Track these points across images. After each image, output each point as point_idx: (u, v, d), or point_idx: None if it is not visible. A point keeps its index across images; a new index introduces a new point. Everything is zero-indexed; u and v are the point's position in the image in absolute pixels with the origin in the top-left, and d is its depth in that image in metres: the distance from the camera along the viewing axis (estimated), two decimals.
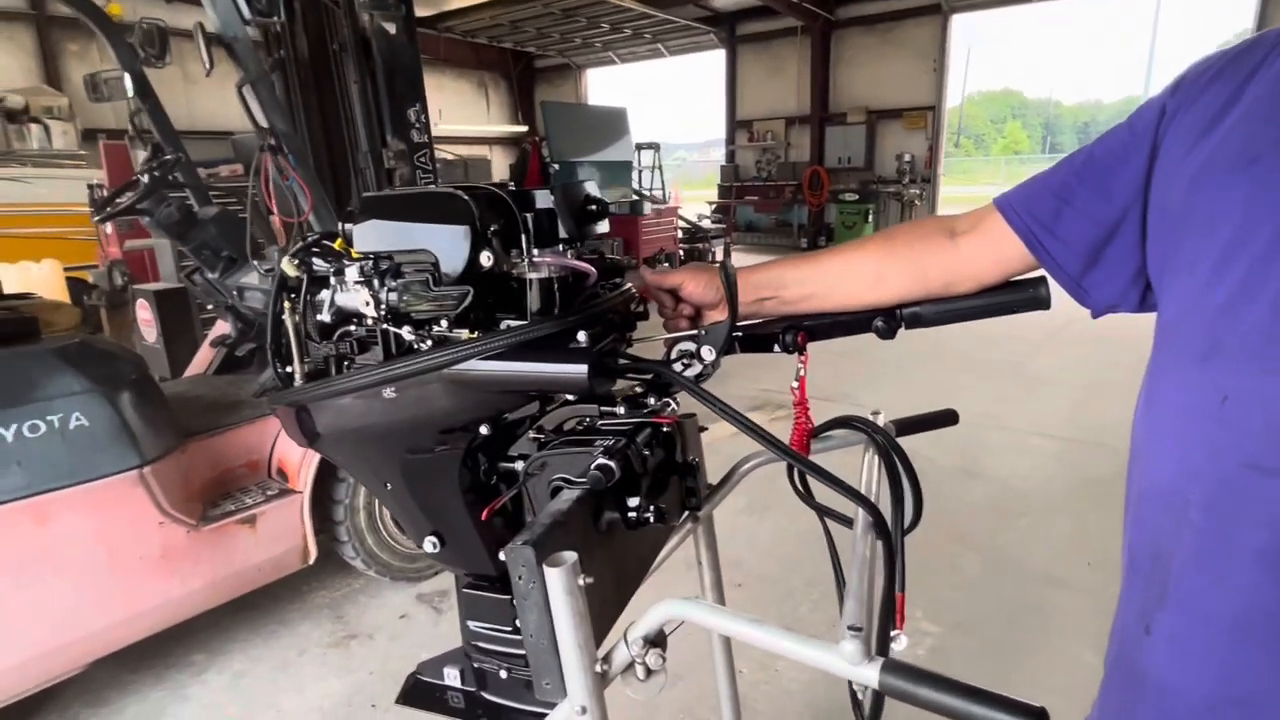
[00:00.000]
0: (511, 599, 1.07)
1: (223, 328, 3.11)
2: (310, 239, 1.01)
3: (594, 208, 0.97)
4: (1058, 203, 0.81)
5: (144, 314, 4.27)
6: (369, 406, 0.99)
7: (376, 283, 0.93)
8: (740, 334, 1.04)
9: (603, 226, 1.01)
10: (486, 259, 0.89)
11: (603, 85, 19.94)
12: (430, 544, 1.09)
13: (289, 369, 1.05)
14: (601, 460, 0.90)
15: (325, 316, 0.98)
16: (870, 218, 13.54)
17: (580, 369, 0.84)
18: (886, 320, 0.99)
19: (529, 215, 0.92)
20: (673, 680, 2.23)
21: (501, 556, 1.05)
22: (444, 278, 0.91)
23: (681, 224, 11.57)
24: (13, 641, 1.97)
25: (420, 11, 13.40)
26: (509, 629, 1.10)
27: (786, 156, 15.37)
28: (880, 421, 1.19)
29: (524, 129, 17.36)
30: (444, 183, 1.22)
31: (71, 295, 5.34)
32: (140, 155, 3.38)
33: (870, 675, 0.63)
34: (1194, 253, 0.64)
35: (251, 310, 2.77)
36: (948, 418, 1.28)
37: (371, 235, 0.94)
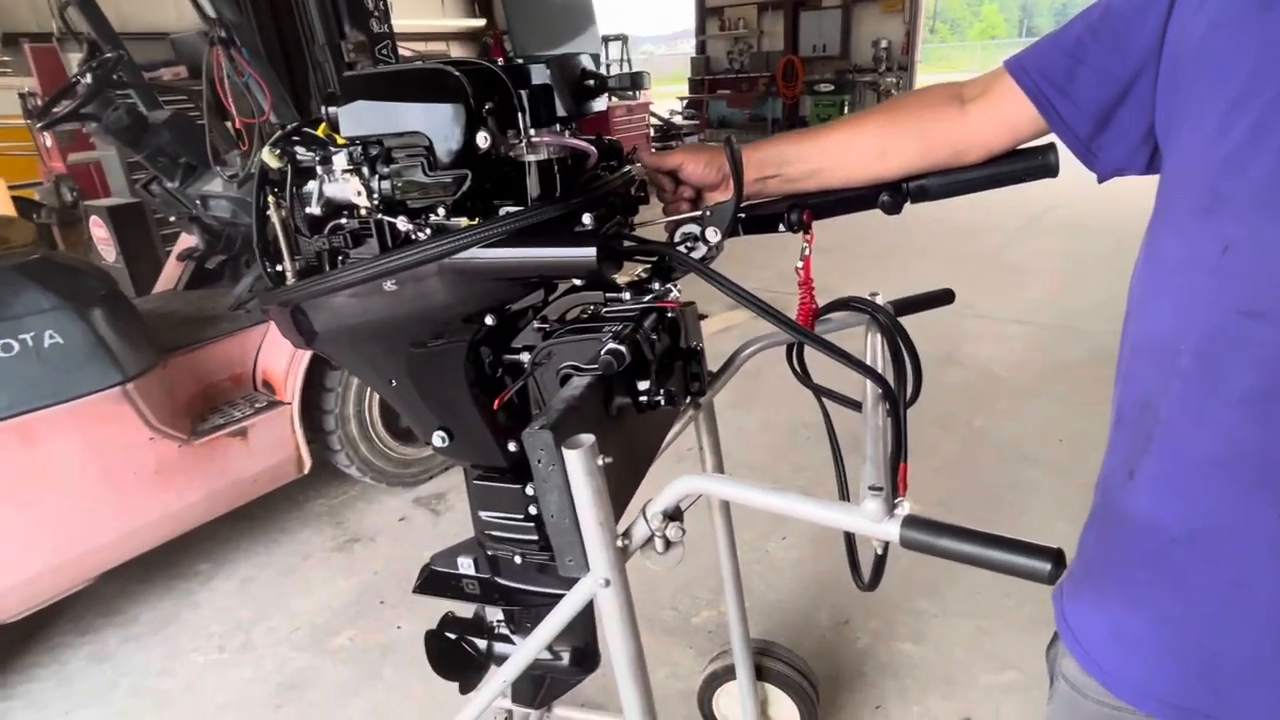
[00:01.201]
0: (522, 488, 1.09)
1: (188, 240, 3.00)
2: (290, 126, 0.95)
3: (592, 83, 0.92)
4: (1071, 61, 0.78)
5: (99, 231, 4.08)
6: (368, 302, 0.97)
7: (367, 170, 0.89)
8: (744, 215, 1.02)
9: (601, 103, 0.96)
10: (484, 140, 0.84)
11: None
12: (439, 438, 1.09)
13: (280, 267, 1.01)
14: (612, 345, 0.89)
15: (314, 209, 0.94)
16: (846, 109, 13.16)
17: (589, 252, 0.82)
18: (892, 195, 0.98)
19: (524, 92, 0.87)
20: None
21: (511, 447, 1.08)
22: (438, 162, 0.86)
23: (653, 121, 11.20)
24: (19, 557, 1.99)
25: None
26: (520, 516, 1.12)
27: (760, 46, 14.73)
28: (879, 302, 1.20)
29: (482, 22, 16.34)
30: None
31: (19, 214, 5.08)
32: (74, 59, 3.13)
33: (892, 530, 0.66)
34: (1202, 105, 0.63)
35: (217, 220, 2.66)
36: (944, 297, 1.29)
37: (357, 118, 0.88)
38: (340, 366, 2.44)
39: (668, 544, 0.87)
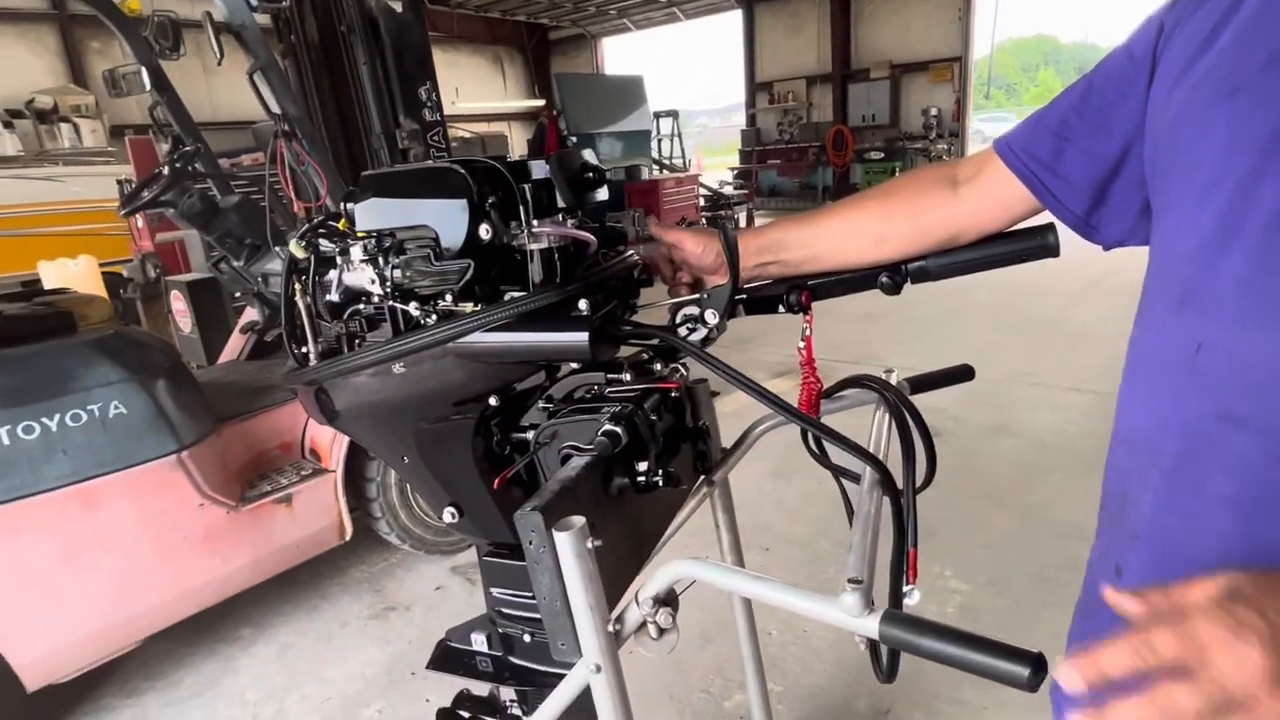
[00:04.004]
0: None
1: (251, 314, 3.19)
2: (316, 220, 1.02)
3: (591, 175, 0.97)
4: (1058, 140, 0.78)
5: (178, 304, 4.38)
6: (382, 383, 1.01)
7: (381, 260, 0.94)
8: (744, 296, 1.03)
9: (602, 194, 1.00)
10: (485, 231, 0.89)
11: (620, 54, 19.66)
12: (449, 514, 1.11)
13: (304, 349, 1.07)
14: (608, 426, 0.91)
15: (334, 296, 1.00)
16: (897, 176, 13.21)
17: (581, 336, 0.85)
18: (891, 276, 0.98)
19: (526, 186, 0.92)
20: (702, 643, 2.27)
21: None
22: (445, 252, 0.91)
23: (703, 191, 11.45)
24: (74, 617, 2.08)
25: None
26: (529, 594, 1.12)
27: (809, 117, 15.05)
28: (893, 380, 1.18)
29: (541, 103, 17.21)
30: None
31: (107, 289, 5.49)
32: (165, 148, 3.44)
33: (870, 626, 0.64)
34: (1177, 193, 0.62)
35: (277, 296, 2.83)
36: (963, 374, 1.26)
37: (373, 213, 0.95)
38: (359, 444, 2.50)
39: (661, 630, 0.86)
